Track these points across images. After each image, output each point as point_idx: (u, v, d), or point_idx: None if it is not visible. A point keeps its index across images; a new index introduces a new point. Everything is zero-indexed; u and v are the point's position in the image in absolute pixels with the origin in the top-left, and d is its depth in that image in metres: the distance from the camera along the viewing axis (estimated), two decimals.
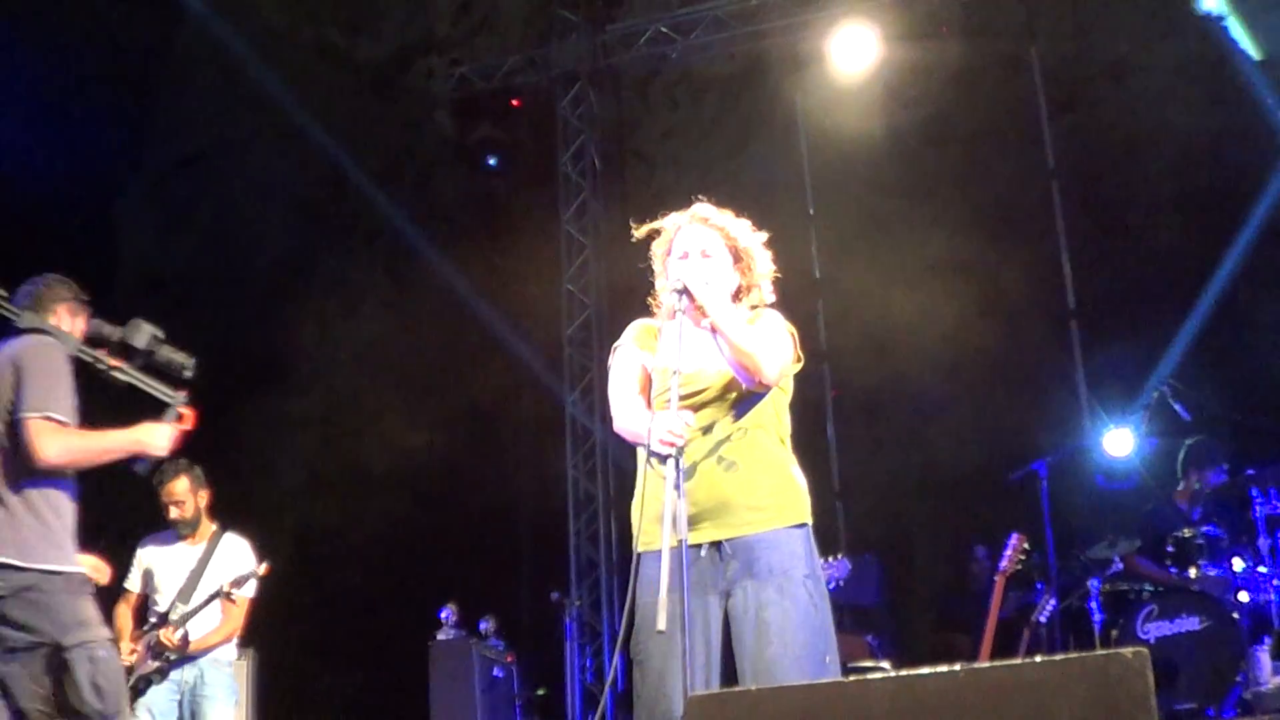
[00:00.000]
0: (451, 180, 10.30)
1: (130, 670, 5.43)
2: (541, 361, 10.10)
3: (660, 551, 3.05)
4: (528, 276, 10.26)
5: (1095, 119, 9.07)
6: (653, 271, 3.61)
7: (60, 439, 3.83)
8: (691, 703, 2.62)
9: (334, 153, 9.80)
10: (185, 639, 5.45)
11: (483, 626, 8.29)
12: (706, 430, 3.34)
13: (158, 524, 5.80)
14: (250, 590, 5.71)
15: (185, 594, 5.55)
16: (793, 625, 3.19)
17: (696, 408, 3.35)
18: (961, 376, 8.82)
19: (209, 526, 5.78)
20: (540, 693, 8.68)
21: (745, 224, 3.56)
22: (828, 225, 9.55)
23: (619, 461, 9.69)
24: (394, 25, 10.23)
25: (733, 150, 9.58)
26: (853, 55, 9.17)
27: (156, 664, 5.44)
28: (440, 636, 8.22)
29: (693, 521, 3.26)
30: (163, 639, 5.42)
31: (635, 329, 3.59)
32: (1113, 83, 8.90)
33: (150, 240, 10.83)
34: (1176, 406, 7.13)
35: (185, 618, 5.48)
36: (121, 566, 5.75)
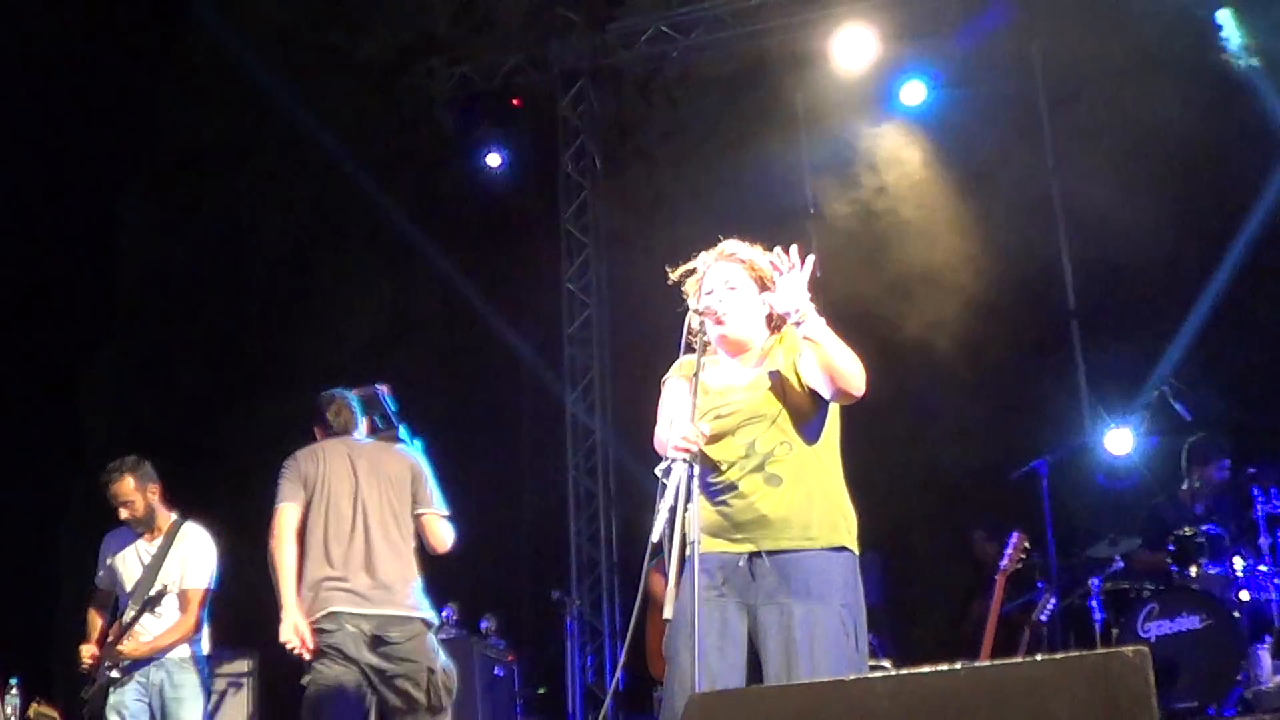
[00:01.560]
0: (451, 180, 10.29)
1: (93, 676, 5.42)
2: (541, 361, 10.10)
3: (702, 556, 3.15)
4: (528, 276, 10.25)
5: (1096, 118, 9.06)
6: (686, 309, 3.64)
7: (450, 530, 5.21)
8: (692, 701, 2.61)
9: (334, 153, 9.80)
10: (135, 641, 5.42)
11: (483, 626, 8.29)
12: (749, 446, 3.41)
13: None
14: (201, 582, 5.61)
15: (144, 591, 5.51)
16: (821, 651, 3.22)
17: (736, 427, 3.42)
18: (962, 375, 8.82)
19: (166, 518, 5.70)
20: (541, 692, 8.68)
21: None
22: (828, 224, 9.55)
23: (619, 460, 9.69)
24: (394, 25, 10.23)
25: (733, 149, 9.56)
26: (853, 55, 9.17)
27: (114, 673, 5.40)
28: (440, 636, 8.21)
29: (731, 534, 3.37)
30: (117, 649, 5.40)
31: (680, 363, 3.65)
32: (1113, 83, 8.89)
33: (150, 240, 10.83)
34: (1177, 405, 7.13)
35: (130, 623, 5.43)
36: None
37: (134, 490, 5.60)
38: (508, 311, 10.05)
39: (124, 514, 5.62)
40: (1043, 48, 9.11)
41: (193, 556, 5.61)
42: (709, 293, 3.55)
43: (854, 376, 3.38)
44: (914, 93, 9.25)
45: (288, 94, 9.62)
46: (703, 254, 3.69)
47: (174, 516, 5.74)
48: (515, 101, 10.12)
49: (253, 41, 9.69)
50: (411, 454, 5.29)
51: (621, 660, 3.57)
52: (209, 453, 10.24)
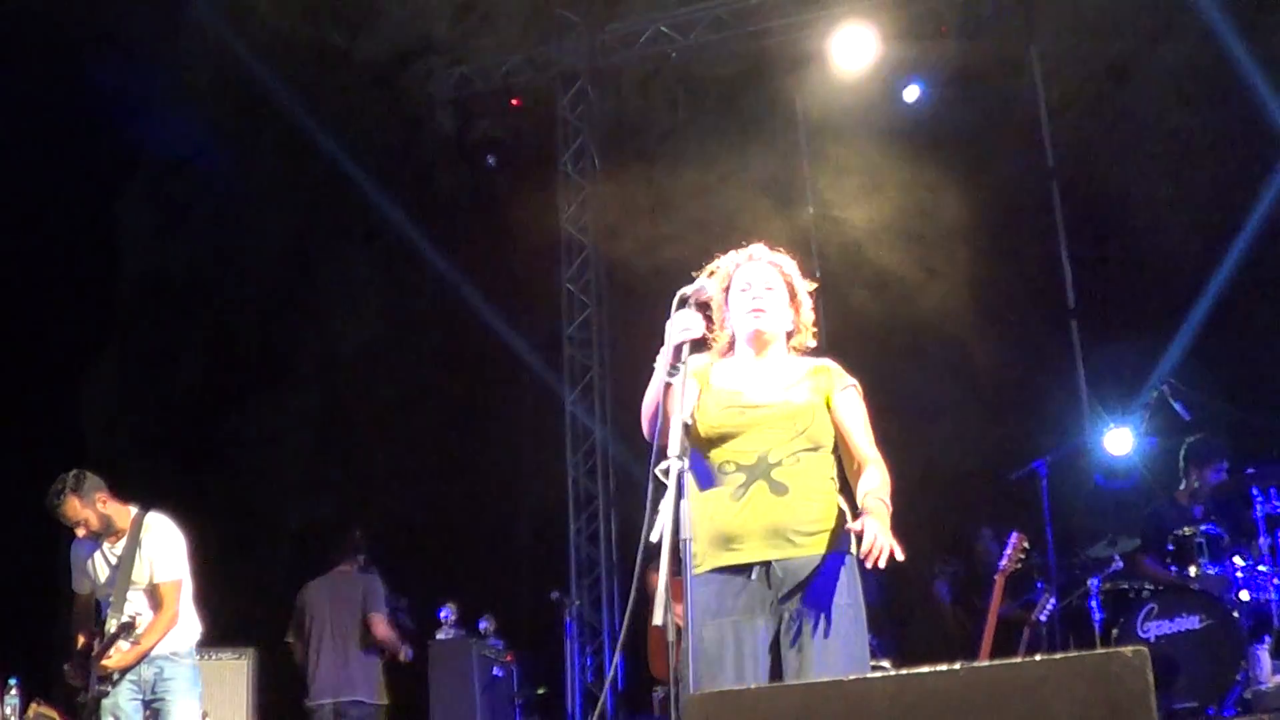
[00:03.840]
0: (451, 180, 10.29)
1: (85, 688, 5.40)
2: (541, 361, 10.10)
3: (712, 574, 3.27)
4: (528, 276, 10.25)
5: (1095, 119, 9.06)
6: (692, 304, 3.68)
7: (385, 623, 7.44)
8: (691, 702, 2.61)
9: (334, 153, 9.79)
10: (119, 654, 5.41)
11: (483, 626, 8.29)
12: (760, 455, 3.42)
13: None
14: (173, 573, 5.58)
15: (120, 594, 5.49)
16: (833, 652, 3.28)
17: (751, 429, 3.44)
18: (962, 376, 8.81)
19: (125, 516, 5.63)
20: (540, 692, 8.67)
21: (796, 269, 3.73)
22: (828, 224, 9.55)
23: (619, 460, 9.69)
24: (394, 25, 10.22)
25: (733, 150, 9.56)
26: (853, 55, 9.16)
27: (105, 686, 5.40)
28: (440, 636, 8.22)
29: (740, 542, 3.38)
30: (102, 664, 5.39)
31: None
32: (1113, 83, 8.88)
33: (150, 240, 10.82)
34: (1176, 405, 7.13)
35: (110, 641, 5.41)
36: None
37: (82, 509, 5.51)
38: (507, 311, 10.04)
39: (81, 533, 5.56)
40: (1042, 48, 9.10)
41: (160, 550, 5.56)
42: (743, 289, 3.59)
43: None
44: (914, 93, 9.24)
45: (287, 94, 9.62)
46: (731, 253, 3.71)
47: (133, 510, 5.66)
48: (515, 101, 10.11)
49: (252, 41, 9.68)
50: (364, 578, 7.59)
51: (616, 658, 3.56)
52: (209, 453, 10.24)
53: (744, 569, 3.37)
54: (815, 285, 3.76)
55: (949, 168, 9.08)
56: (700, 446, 3.44)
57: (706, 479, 3.42)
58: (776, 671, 3.33)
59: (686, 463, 3.14)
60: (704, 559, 3.35)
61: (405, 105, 10.09)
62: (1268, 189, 8.21)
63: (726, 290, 3.64)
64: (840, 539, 3.43)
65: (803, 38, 9.44)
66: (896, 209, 9.26)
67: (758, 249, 3.70)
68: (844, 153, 9.48)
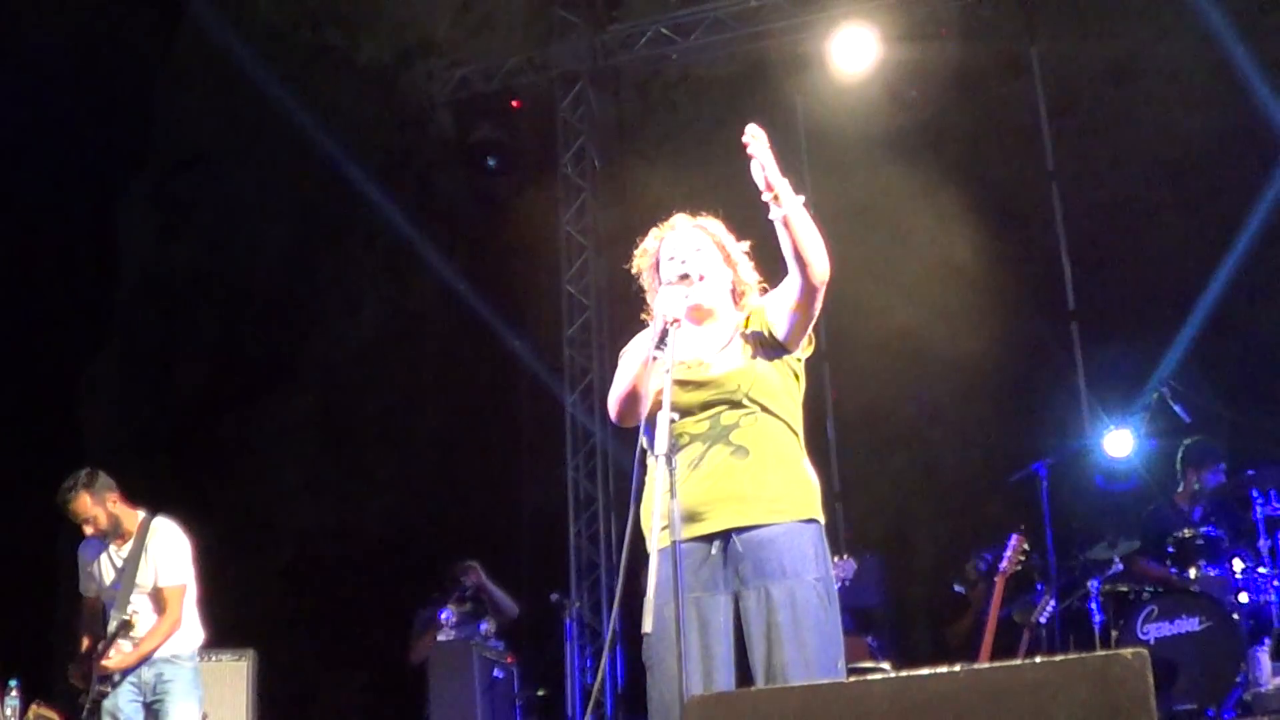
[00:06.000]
0: (451, 180, 10.29)
1: (86, 690, 5.41)
2: (541, 362, 10.09)
3: (671, 550, 2.99)
4: (528, 276, 10.25)
5: (1095, 119, 9.06)
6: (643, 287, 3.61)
7: None
8: (691, 703, 2.61)
9: (334, 153, 9.80)
10: (120, 655, 5.42)
11: (483, 627, 8.28)
12: (713, 419, 3.31)
13: None
14: (177, 578, 5.59)
15: (124, 597, 5.51)
16: (804, 630, 3.14)
17: (702, 402, 3.33)
18: (962, 377, 8.81)
19: (133, 519, 5.64)
20: (540, 693, 8.67)
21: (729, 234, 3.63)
22: (827, 226, 9.53)
23: (619, 462, 9.68)
24: (394, 26, 10.23)
25: (733, 151, 9.54)
26: (853, 56, 9.16)
27: (105, 686, 5.41)
28: (440, 637, 8.22)
29: (700, 514, 3.23)
30: (102, 664, 5.39)
31: (639, 338, 3.55)
32: (1113, 83, 8.89)
33: (150, 241, 10.83)
34: (1176, 407, 7.13)
35: (110, 640, 5.42)
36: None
37: (92, 506, 5.52)
38: (507, 313, 10.04)
39: (89, 530, 5.57)
40: (1042, 49, 9.11)
41: (165, 555, 5.58)
42: (671, 259, 3.48)
43: (824, 257, 3.38)
44: (914, 95, 9.23)
45: (287, 94, 9.62)
46: (654, 229, 3.63)
47: (141, 514, 5.68)
48: (515, 103, 10.11)
49: (252, 42, 9.69)
50: None
51: (618, 599, 3.37)
52: (209, 453, 10.25)
53: (705, 540, 3.23)
54: (749, 243, 3.63)
55: (949, 169, 9.09)
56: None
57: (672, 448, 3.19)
58: (743, 650, 3.19)
59: (676, 460, 3.06)
60: (665, 534, 3.04)
61: (405, 106, 10.09)
62: (1268, 190, 8.21)
63: (656, 268, 3.54)
64: (808, 506, 3.30)
65: (803, 40, 9.43)
66: (896, 209, 9.26)
67: (679, 218, 3.62)
68: (844, 154, 9.48)
